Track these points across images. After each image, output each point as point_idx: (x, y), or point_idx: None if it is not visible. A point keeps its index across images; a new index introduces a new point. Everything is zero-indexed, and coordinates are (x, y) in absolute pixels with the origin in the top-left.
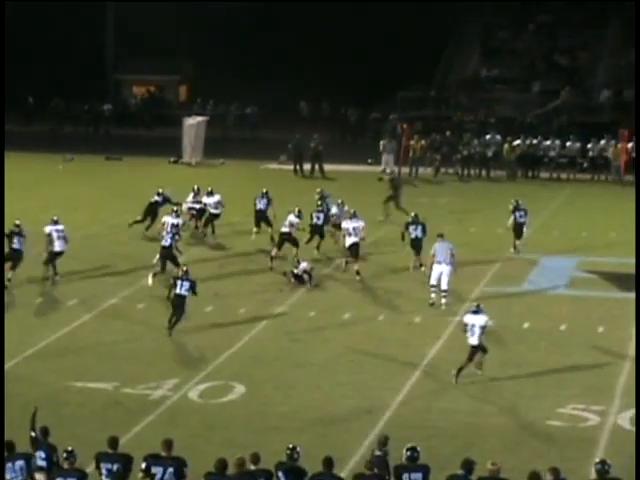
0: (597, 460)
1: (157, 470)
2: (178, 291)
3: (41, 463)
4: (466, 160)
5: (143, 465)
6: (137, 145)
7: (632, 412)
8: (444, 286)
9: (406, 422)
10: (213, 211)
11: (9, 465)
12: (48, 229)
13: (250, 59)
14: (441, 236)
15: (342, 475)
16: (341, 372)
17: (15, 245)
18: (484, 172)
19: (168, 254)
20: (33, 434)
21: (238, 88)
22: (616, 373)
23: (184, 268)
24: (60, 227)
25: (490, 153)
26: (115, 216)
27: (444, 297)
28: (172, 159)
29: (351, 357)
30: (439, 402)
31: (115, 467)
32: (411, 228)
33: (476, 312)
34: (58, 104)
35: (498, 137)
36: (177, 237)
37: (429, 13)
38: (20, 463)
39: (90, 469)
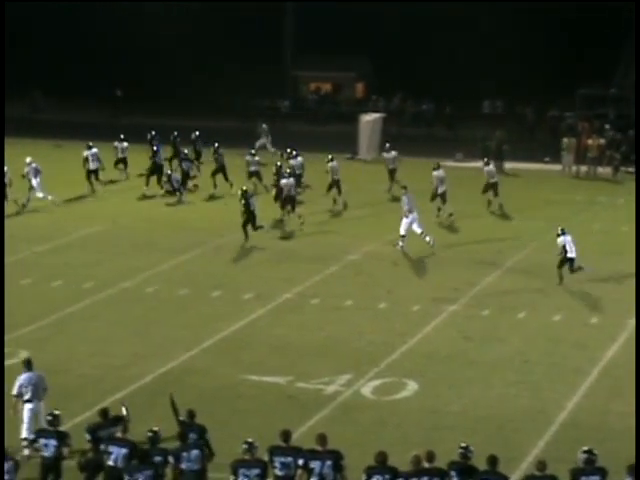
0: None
1: (315, 464)
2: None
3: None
4: None
5: (300, 461)
6: (312, 141)
7: None
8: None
9: (581, 424)
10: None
11: (184, 454)
12: (84, 153)
13: (425, 57)
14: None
15: (514, 476)
16: (515, 372)
17: None
18: None
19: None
20: (181, 418)
21: (414, 85)
22: None
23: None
24: (93, 151)
25: None
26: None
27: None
28: (348, 155)
29: (525, 357)
30: (616, 405)
31: (288, 460)
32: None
33: (564, 233)
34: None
35: None
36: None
37: (609, 9)
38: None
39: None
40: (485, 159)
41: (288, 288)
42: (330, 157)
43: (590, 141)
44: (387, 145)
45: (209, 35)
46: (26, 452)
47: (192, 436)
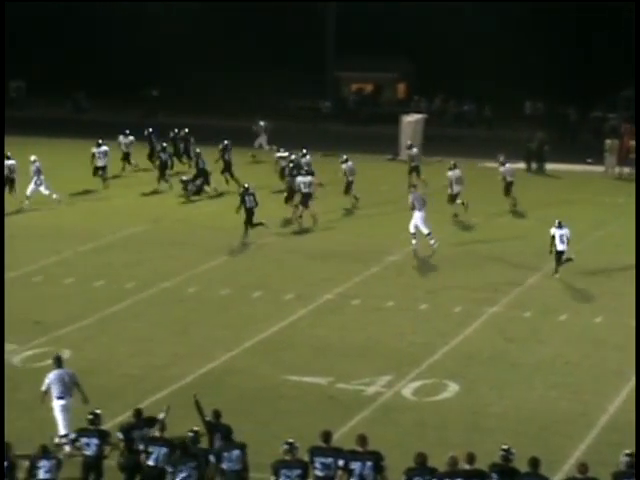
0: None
1: (356, 465)
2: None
3: (219, 443)
4: None
5: (341, 462)
6: (353, 142)
7: None
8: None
9: (623, 427)
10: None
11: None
12: (93, 150)
13: (466, 58)
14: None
15: (555, 478)
16: (556, 374)
17: None
18: None
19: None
20: (207, 419)
21: (455, 86)
22: None
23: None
24: (102, 149)
25: None
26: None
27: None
28: (389, 156)
29: (566, 359)
30: None
31: (329, 461)
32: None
33: (560, 226)
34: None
35: None
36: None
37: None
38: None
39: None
40: (501, 159)
41: (329, 289)
42: (345, 158)
43: (633, 142)
44: (409, 142)
45: (249, 36)
46: (67, 449)
47: (218, 435)
